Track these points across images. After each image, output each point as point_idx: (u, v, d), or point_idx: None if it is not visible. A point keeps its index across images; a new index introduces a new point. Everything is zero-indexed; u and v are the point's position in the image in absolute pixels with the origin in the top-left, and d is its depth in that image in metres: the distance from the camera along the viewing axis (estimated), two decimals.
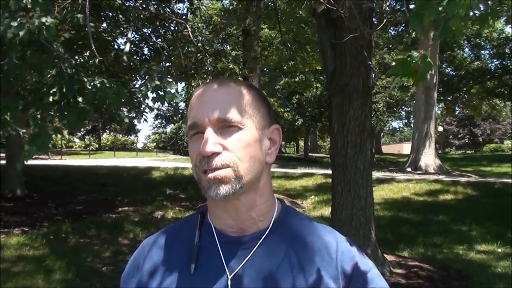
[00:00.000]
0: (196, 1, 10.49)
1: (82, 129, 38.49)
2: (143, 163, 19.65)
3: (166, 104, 5.24)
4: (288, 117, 24.53)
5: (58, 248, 6.47)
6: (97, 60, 4.96)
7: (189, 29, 8.69)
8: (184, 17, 11.10)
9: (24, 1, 3.51)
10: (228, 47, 19.26)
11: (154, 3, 9.75)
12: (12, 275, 5.19)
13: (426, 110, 17.74)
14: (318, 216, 9.11)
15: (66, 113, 4.14)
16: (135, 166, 17.20)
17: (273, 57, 18.40)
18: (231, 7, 17.55)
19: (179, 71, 13.07)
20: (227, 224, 0.89)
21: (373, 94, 18.24)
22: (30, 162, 4.36)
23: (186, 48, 10.84)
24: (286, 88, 25.37)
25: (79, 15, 4.65)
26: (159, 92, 4.77)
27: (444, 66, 26.66)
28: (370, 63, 5.05)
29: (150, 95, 4.98)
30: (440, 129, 35.34)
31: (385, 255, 5.54)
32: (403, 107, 34.30)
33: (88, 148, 37.78)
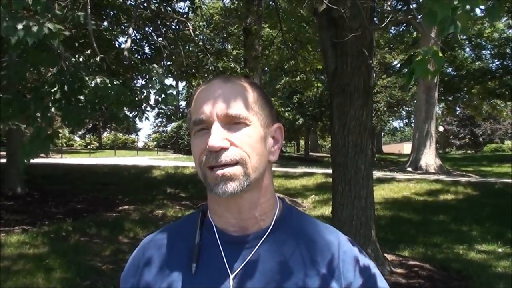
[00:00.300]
0: (197, 0, 10.49)
1: (82, 128, 38.51)
2: (143, 162, 19.66)
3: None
4: (289, 116, 24.54)
5: (58, 246, 6.47)
6: (98, 59, 4.96)
7: (190, 28, 8.68)
8: (185, 16, 11.09)
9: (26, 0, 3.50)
10: (229, 46, 19.25)
11: (156, 1, 9.74)
12: (12, 273, 5.19)
13: (426, 110, 17.73)
14: (318, 216, 9.11)
15: (67, 112, 4.14)
16: (135, 165, 17.19)
17: (274, 57, 18.37)
18: (232, 6, 17.54)
19: (180, 70, 13.07)
20: (228, 223, 0.88)
21: (374, 94, 18.22)
22: (31, 160, 4.36)
23: (187, 47, 10.84)
24: (287, 87, 25.37)
25: (80, 13, 4.64)
26: (162, 95, 4.77)
27: (445, 66, 26.63)
28: (371, 62, 5.04)
29: (152, 97, 5.01)
30: (441, 129, 35.31)
31: (386, 255, 5.54)
32: (404, 107, 34.23)
33: (88, 147, 37.78)
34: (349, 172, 4.98)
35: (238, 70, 11.12)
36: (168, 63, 11.32)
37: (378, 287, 0.88)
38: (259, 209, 0.88)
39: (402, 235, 7.78)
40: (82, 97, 4.28)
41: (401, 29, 23.66)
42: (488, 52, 26.70)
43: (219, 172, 0.81)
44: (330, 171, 5.88)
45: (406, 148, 39.74)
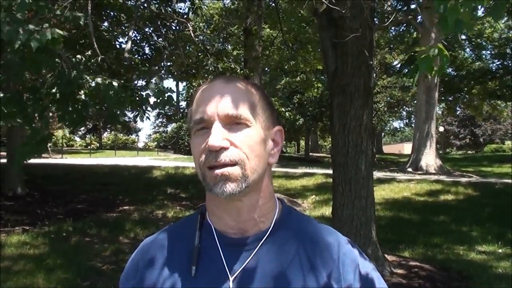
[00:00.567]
0: (197, 1, 10.49)
1: (83, 128, 38.51)
2: (144, 162, 19.66)
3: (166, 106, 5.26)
4: (290, 116, 24.56)
5: (58, 247, 6.47)
6: (99, 59, 4.96)
7: (191, 28, 8.67)
8: (185, 16, 11.09)
9: (27, 1, 3.51)
10: (229, 47, 19.25)
11: (156, 2, 9.74)
12: (12, 273, 5.20)
13: (427, 110, 17.72)
14: (318, 216, 9.11)
15: (65, 112, 4.14)
16: (135, 165, 17.20)
17: (274, 57, 18.38)
18: (232, 6, 17.55)
19: (180, 71, 13.08)
20: (227, 225, 0.87)
21: (374, 94, 18.21)
22: (31, 160, 4.37)
23: (187, 48, 10.84)
24: (287, 87, 25.37)
25: (80, 14, 4.64)
26: (161, 97, 4.78)
27: (446, 65, 26.55)
28: (371, 63, 5.04)
29: (151, 99, 5.02)
30: (441, 129, 35.31)
31: (386, 255, 5.54)
32: (404, 107, 34.27)
33: (89, 147, 37.82)
34: (350, 172, 4.98)
35: (238, 70, 11.12)
36: (168, 63, 11.33)
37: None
38: (258, 211, 0.87)
39: (402, 235, 7.78)
40: (82, 96, 4.29)
41: (401, 29, 23.66)
42: (489, 52, 26.73)
43: (218, 171, 0.80)
44: (330, 171, 5.87)
45: (407, 148, 39.73)
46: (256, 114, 0.86)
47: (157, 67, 12.33)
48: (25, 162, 4.09)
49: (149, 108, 5.25)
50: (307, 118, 26.08)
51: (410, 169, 17.58)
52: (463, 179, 14.51)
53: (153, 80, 4.93)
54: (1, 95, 4.11)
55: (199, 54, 10.85)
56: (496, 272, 5.73)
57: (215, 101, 0.83)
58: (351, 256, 0.88)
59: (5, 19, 3.38)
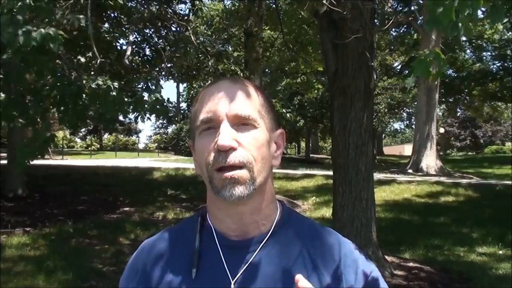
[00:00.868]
0: (198, 2, 10.49)
1: (83, 129, 38.56)
2: (144, 164, 19.65)
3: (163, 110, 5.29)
4: (291, 118, 24.54)
5: (59, 248, 6.47)
6: (98, 61, 4.97)
7: (190, 30, 8.68)
8: (186, 18, 11.10)
9: (27, 1, 3.51)
10: (230, 48, 19.25)
11: (156, 3, 9.75)
12: (13, 275, 5.20)
13: (427, 112, 17.71)
14: (319, 217, 9.11)
15: (66, 114, 4.15)
16: (136, 167, 17.19)
17: (275, 58, 18.38)
18: (233, 8, 17.54)
19: (180, 72, 13.08)
20: (229, 227, 0.87)
21: (374, 96, 18.21)
22: (30, 162, 4.38)
23: (188, 49, 10.85)
24: (287, 89, 25.38)
25: (80, 16, 4.65)
26: (157, 106, 4.82)
27: (445, 67, 26.57)
28: (372, 64, 5.04)
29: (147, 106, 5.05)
30: (442, 130, 35.29)
31: (386, 257, 5.54)
32: (405, 108, 34.24)
33: (89, 148, 37.83)
34: (350, 173, 4.98)
35: (238, 72, 11.12)
36: (169, 65, 11.33)
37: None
38: (260, 214, 0.87)
39: (402, 237, 7.77)
40: (83, 96, 4.30)
41: (401, 31, 23.65)
42: (489, 53, 26.73)
43: (228, 174, 0.79)
44: (330, 172, 5.87)
45: (407, 149, 39.71)
46: (262, 116, 0.86)
47: (157, 69, 12.35)
48: (27, 163, 4.10)
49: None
50: (308, 119, 26.09)
51: (410, 171, 17.56)
52: (464, 181, 14.49)
53: (152, 87, 4.96)
54: (2, 95, 4.12)
55: (200, 55, 10.85)
56: (497, 274, 5.72)
57: (224, 100, 0.83)
58: (352, 257, 0.88)
59: (6, 21, 3.39)
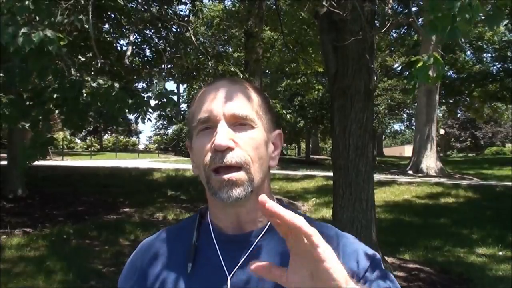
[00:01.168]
0: (198, 3, 10.51)
1: (83, 130, 38.55)
2: (144, 165, 19.64)
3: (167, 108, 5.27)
4: (291, 119, 24.56)
5: (59, 249, 6.47)
6: (99, 62, 4.98)
7: (191, 31, 8.69)
8: (186, 19, 11.11)
9: (26, 3, 3.52)
10: (230, 49, 19.27)
11: (156, 4, 9.76)
12: (13, 276, 5.20)
13: (428, 113, 17.72)
14: (319, 218, 9.10)
15: (68, 116, 4.16)
16: (136, 168, 17.19)
17: (275, 59, 18.38)
18: (233, 8, 17.57)
19: (180, 73, 13.09)
20: (226, 224, 0.88)
21: (374, 97, 18.21)
22: (32, 163, 4.39)
23: (188, 50, 10.85)
24: (288, 90, 25.39)
25: (81, 17, 4.66)
26: (162, 99, 4.80)
27: (446, 68, 26.62)
28: (372, 65, 5.04)
29: (152, 101, 5.04)
30: (442, 131, 35.30)
31: (386, 258, 5.54)
32: (405, 109, 34.25)
33: (89, 149, 37.81)
34: (350, 174, 4.98)
35: (238, 73, 11.13)
36: (169, 65, 11.34)
37: (382, 270, 0.87)
38: (258, 213, 0.87)
39: (402, 238, 7.77)
40: (84, 95, 4.30)
41: (402, 32, 23.68)
42: (489, 55, 26.75)
43: (226, 176, 0.79)
44: (331, 173, 5.87)
45: (407, 150, 39.73)
46: (260, 116, 0.86)
47: (158, 69, 12.35)
48: (28, 164, 4.11)
49: (150, 110, 5.26)
50: (308, 120, 26.10)
51: (410, 172, 17.57)
52: (464, 182, 14.49)
53: (154, 82, 4.95)
54: (3, 96, 4.12)
55: (200, 56, 10.85)
56: (496, 275, 5.73)
57: (221, 100, 0.83)
58: (352, 247, 0.88)
59: (5, 23, 3.39)
